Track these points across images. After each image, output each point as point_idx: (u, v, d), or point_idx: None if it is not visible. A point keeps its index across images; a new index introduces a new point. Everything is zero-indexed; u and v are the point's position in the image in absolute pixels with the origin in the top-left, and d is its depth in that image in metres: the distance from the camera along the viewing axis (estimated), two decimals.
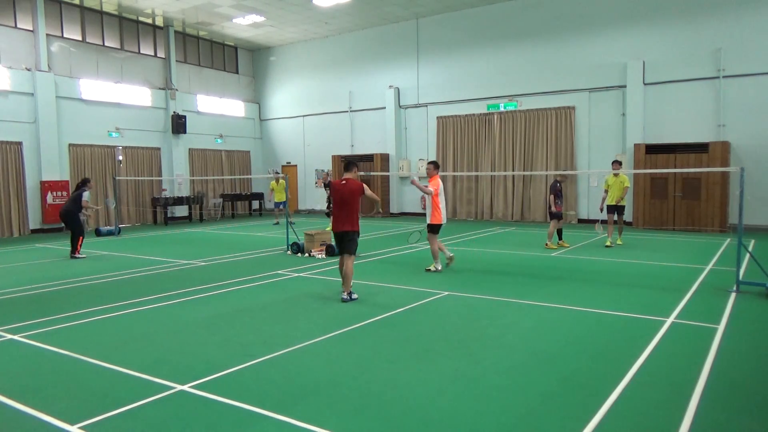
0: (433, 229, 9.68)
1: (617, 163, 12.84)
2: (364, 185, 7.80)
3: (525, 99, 18.77)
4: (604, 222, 13.28)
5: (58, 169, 17.93)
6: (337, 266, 7.89)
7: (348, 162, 7.96)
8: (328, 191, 17.96)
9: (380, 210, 9.45)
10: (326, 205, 16.85)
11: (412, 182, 9.86)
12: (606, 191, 12.87)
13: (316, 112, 23.81)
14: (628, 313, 6.72)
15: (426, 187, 9.54)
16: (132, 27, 20.53)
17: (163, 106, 21.36)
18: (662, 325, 6.17)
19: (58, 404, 4.26)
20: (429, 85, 20.72)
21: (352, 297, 7.52)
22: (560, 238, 12.82)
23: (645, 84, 16.60)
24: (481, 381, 4.62)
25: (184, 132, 21.56)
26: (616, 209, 12.68)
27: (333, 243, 9.28)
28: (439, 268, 9.61)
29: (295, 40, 23.51)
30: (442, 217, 9.64)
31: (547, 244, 12.43)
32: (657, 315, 6.58)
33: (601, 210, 13.05)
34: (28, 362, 5.31)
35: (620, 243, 12.83)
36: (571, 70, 17.80)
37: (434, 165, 9.80)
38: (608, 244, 12.58)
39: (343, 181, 7.68)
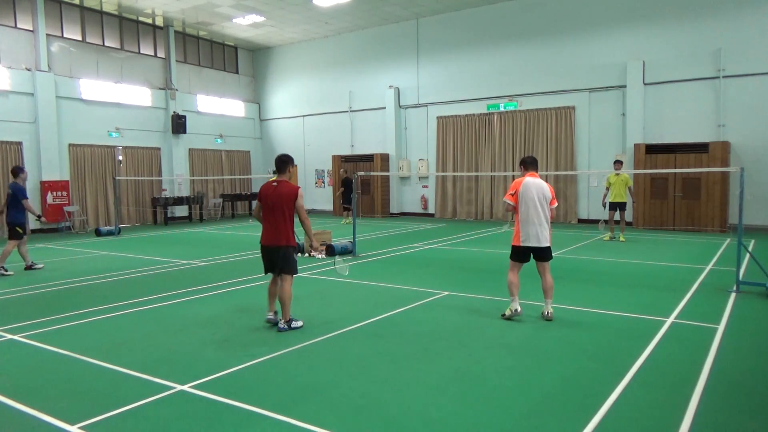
0: (511, 253, 6.72)
1: (619, 163, 13.36)
2: (301, 193, 6.13)
3: (525, 99, 18.76)
4: (606, 222, 13.58)
5: (58, 169, 17.93)
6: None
7: (280, 161, 6.24)
8: (342, 188, 18.72)
9: (312, 248, 6.87)
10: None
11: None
12: (607, 188, 13.35)
13: (316, 112, 23.81)
14: (628, 313, 6.72)
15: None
16: (132, 27, 20.53)
17: (163, 106, 21.36)
18: (662, 325, 6.17)
19: (58, 404, 4.26)
20: (429, 85, 20.72)
21: (293, 326, 6.16)
22: None
23: (645, 84, 16.60)
24: (481, 381, 4.62)
25: (184, 132, 21.56)
26: (618, 206, 13.20)
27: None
28: (518, 310, 6.44)
29: (295, 40, 23.50)
30: (521, 237, 6.50)
31: None
32: (657, 315, 6.58)
33: (604, 206, 13.51)
34: (28, 362, 5.30)
35: (622, 240, 13.27)
36: (571, 70, 17.80)
37: (521, 162, 7.08)
38: (606, 238, 13.40)
39: (274, 184, 6.14)
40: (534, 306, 7.09)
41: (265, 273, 6.42)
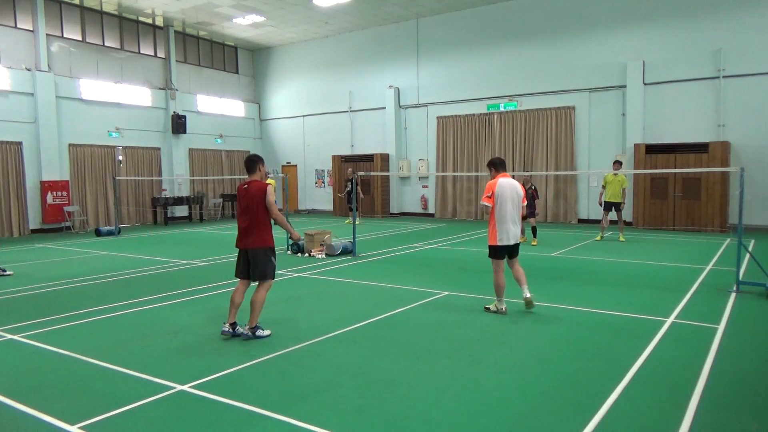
0: (490, 252, 6.94)
1: (618, 163, 13.37)
2: (269, 189, 5.88)
3: (525, 99, 18.76)
4: (614, 222, 13.59)
5: (58, 169, 17.93)
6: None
7: (249, 161, 6.08)
8: (349, 185, 18.24)
9: (291, 238, 6.52)
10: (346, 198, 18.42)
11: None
12: (603, 187, 13.40)
13: (316, 112, 23.81)
14: (628, 313, 6.72)
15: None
16: (132, 27, 20.53)
17: (163, 106, 21.36)
18: (662, 325, 6.17)
19: (58, 404, 4.26)
20: (429, 85, 20.72)
21: (257, 334, 5.80)
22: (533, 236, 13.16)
23: (645, 84, 16.59)
24: (481, 381, 4.62)
25: (184, 132, 21.56)
26: (613, 206, 13.23)
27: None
28: (504, 309, 6.76)
29: (295, 40, 23.50)
30: (499, 237, 6.70)
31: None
32: (657, 315, 6.58)
33: (600, 204, 13.61)
34: (28, 362, 5.30)
35: (622, 240, 13.29)
36: (571, 70, 17.79)
37: (490, 164, 7.05)
38: (598, 238, 13.45)
39: (245, 185, 5.98)
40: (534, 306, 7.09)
41: (236, 276, 6.07)
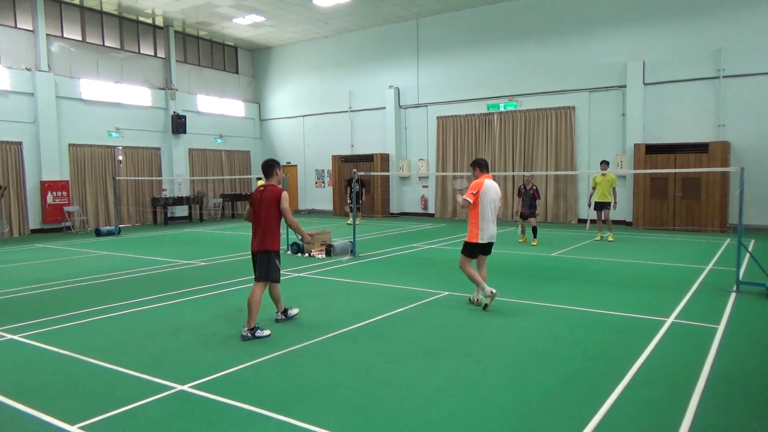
0: (465, 248, 7.14)
1: (605, 163, 13.48)
2: (284, 195, 6.09)
3: (525, 99, 18.77)
4: (593, 221, 13.79)
5: (58, 169, 17.93)
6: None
7: (266, 165, 6.24)
8: (351, 186, 18.06)
9: (303, 241, 6.75)
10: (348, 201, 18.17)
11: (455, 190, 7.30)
12: (593, 188, 13.47)
13: (316, 112, 23.81)
14: (628, 313, 6.72)
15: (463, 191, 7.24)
16: (132, 27, 20.53)
17: (163, 106, 21.36)
18: (662, 325, 6.17)
19: (58, 404, 4.26)
20: (429, 85, 20.72)
21: (257, 334, 5.84)
22: (534, 236, 13.17)
23: (645, 84, 16.59)
24: (481, 381, 4.62)
25: (184, 132, 21.56)
26: (603, 206, 13.30)
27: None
28: (494, 291, 6.85)
29: (295, 40, 23.50)
30: (481, 235, 6.96)
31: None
32: (657, 315, 6.58)
33: (590, 206, 13.77)
34: (28, 362, 5.30)
35: (611, 240, 13.29)
36: (571, 70, 17.80)
37: (475, 164, 7.26)
38: (598, 239, 13.56)
39: (261, 189, 6.18)
40: (533, 306, 7.09)
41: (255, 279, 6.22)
